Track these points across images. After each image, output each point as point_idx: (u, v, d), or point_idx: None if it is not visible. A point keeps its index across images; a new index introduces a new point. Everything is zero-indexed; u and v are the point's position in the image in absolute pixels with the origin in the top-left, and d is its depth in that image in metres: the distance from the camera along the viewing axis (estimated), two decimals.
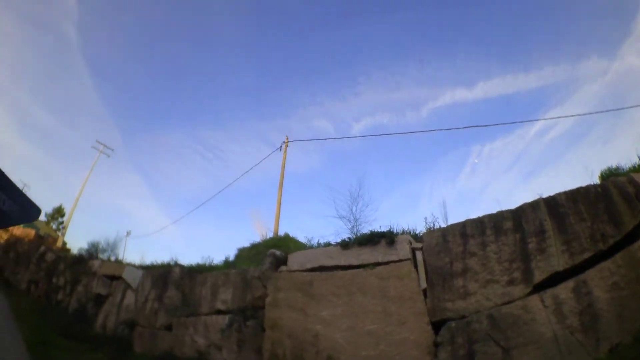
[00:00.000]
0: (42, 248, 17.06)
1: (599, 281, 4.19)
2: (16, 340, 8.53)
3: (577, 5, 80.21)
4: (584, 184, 4.79)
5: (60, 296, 13.46)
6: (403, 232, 6.39)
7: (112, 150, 26.28)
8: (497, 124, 15.59)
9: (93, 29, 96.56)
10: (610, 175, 4.97)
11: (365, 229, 7.24)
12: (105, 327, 10.69)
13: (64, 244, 21.10)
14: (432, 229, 6.10)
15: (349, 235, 6.93)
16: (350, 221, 8.47)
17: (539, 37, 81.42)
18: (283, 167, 14.61)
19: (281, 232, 12.01)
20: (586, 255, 4.38)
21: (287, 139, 15.61)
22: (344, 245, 6.64)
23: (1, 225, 2.59)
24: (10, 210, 2.44)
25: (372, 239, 6.30)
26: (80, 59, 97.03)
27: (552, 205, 4.84)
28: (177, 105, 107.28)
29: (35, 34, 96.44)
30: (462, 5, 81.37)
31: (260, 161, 18.34)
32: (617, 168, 5.20)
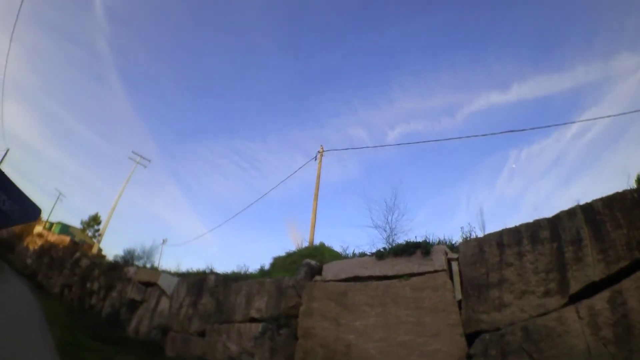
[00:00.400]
0: (77, 254, 17.90)
1: (634, 291, 4.28)
2: (47, 340, 8.94)
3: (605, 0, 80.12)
4: (621, 188, 4.83)
5: (93, 300, 14.03)
6: (439, 242, 6.61)
7: (149, 161, 27.60)
8: (532, 128, 15.74)
9: (125, 44, 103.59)
10: None
11: (401, 239, 7.46)
12: (138, 331, 11.08)
13: (99, 250, 21.95)
14: (468, 238, 6.30)
15: (384, 245, 7.18)
16: (385, 231, 8.71)
17: (569, 35, 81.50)
18: (318, 176, 14.85)
19: (316, 241, 12.19)
20: (622, 264, 4.47)
21: (322, 148, 15.90)
22: (379, 255, 6.90)
23: (1, 225, 2.66)
24: (10, 210, 2.56)
25: (408, 249, 6.52)
26: (114, 72, 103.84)
27: (589, 212, 4.93)
28: (213, 116, 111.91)
29: (69, 49, 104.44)
30: (491, 6, 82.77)
31: (295, 171, 19.00)
32: None
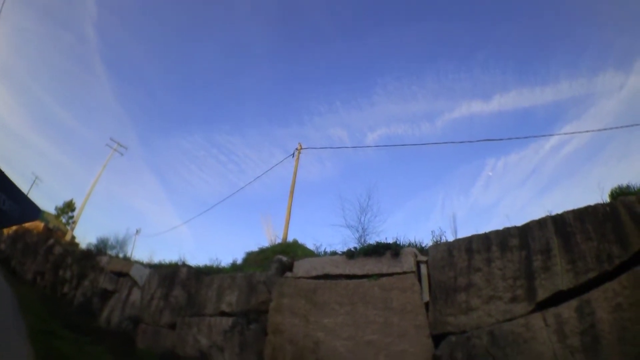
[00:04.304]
0: (51, 241, 17.40)
1: (603, 302, 4.21)
2: (19, 328, 8.67)
3: (594, 18, 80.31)
4: (594, 202, 4.78)
5: (65, 289, 13.70)
6: (409, 245, 6.48)
7: (126, 148, 26.84)
8: (510, 138, 15.52)
9: (112, 30, 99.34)
10: (620, 194, 4.91)
11: (372, 240, 7.32)
12: (110, 321, 10.86)
13: (73, 238, 21.42)
14: (438, 242, 6.18)
15: (356, 245, 7.04)
16: (358, 231, 8.59)
17: (556, 49, 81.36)
18: (295, 173, 14.72)
19: (290, 238, 12.09)
20: (591, 275, 4.40)
21: (300, 146, 15.67)
22: (350, 254, 6.75)
23: (1, 225, 2.66)
24: (10, 210, 2.54)
25: (378, 250, 6.39)
26: (98, 58, 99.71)
27: (560, 223, 4.86)
28: (194, 108, 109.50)
29: (56, 32, 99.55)
30: (479, 17, 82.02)
31: (272, 167, 18.62)
32: (628, 187, 5.10)
